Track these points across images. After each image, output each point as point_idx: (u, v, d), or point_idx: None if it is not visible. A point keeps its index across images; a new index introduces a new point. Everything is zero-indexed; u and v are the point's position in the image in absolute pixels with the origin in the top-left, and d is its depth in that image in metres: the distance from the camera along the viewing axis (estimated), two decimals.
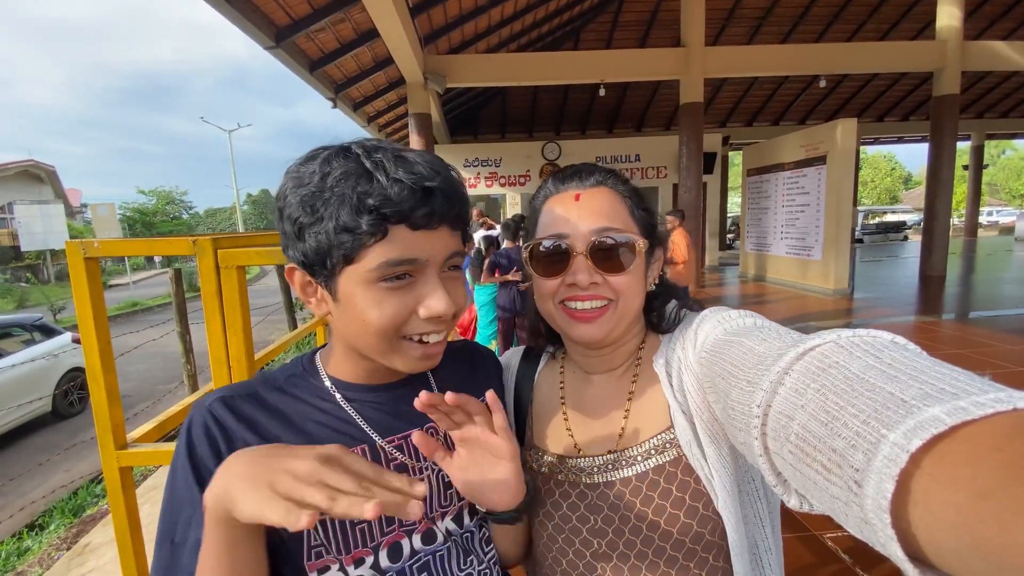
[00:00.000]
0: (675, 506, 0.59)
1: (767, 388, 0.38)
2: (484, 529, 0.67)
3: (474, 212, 7.10)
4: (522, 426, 0.75)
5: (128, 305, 13.68)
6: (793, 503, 0.38)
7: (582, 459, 0.66)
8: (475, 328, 5.43)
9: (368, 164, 0.48)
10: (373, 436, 0.58)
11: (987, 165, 23.85)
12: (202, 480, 0.50)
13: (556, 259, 0.64)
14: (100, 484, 4.07)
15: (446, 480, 0.63)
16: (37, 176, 25.02)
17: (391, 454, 0.59)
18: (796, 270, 9.04)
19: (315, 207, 0.48)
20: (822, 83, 11.36)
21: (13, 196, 21.77)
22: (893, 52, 9.19)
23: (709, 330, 0.58)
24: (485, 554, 0.65)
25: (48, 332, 6.27)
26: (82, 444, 4.47)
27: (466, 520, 0.65)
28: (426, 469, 0.61)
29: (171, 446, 1.25)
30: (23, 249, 17.79)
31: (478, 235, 6.16)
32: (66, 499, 3.81)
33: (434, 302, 0.52)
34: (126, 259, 24.15)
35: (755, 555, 0.60)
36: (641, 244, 0.63)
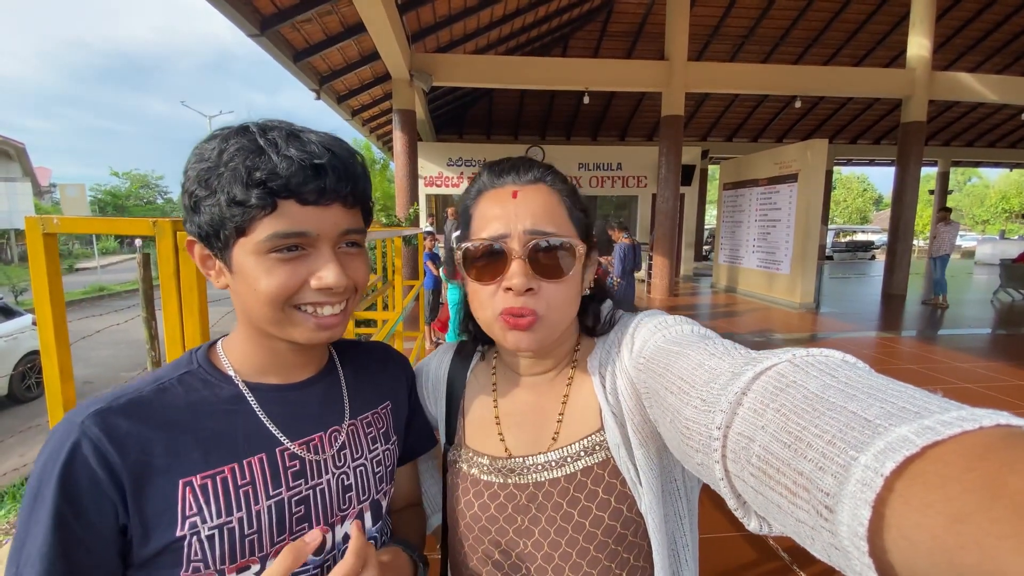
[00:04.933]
0: (600, 508, 0.60)
1: (726, 409, 0.37)
2: (385, 539, 0.67)
3: (450, 211, 7.16)
4: (453, 423, 0.74)
5: (94, 289, 13.22)
6: (753, 526, 0.37)
7: (513, 460, 0.66)
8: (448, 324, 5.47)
9: (262, 141, 0.50)
10: (281, 438, 0.57)
11: (952, 191, 24.88)
12: (65, 523, 0.45)
13: (492, 262, 0.59)
14: None
15: (346, 483, 0.62)
16: (5, 152, 24.05)
17: (294, 455, 0.58)
18: (765, 283, 9.31)
19: (209, 181, 0.50)
20: (798, 104, 11.74)
21: None
22: (865, 78, 9.56)
23: (647, 336, 0.57)
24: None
25: (7, 313, 6.07)
26: (38, 428, 4.36)
27: (368, 524, 0.64)
28: (327, 472, 0.60)
29: None
30: None
31: (454, 235, 6.23)
32: (18, 484, 3.71)
33: (326, 273, 0.52)
34: (95, 242, 23.41)
35: (673, 551, 0.61)
36: (581, 248, 0.60)
